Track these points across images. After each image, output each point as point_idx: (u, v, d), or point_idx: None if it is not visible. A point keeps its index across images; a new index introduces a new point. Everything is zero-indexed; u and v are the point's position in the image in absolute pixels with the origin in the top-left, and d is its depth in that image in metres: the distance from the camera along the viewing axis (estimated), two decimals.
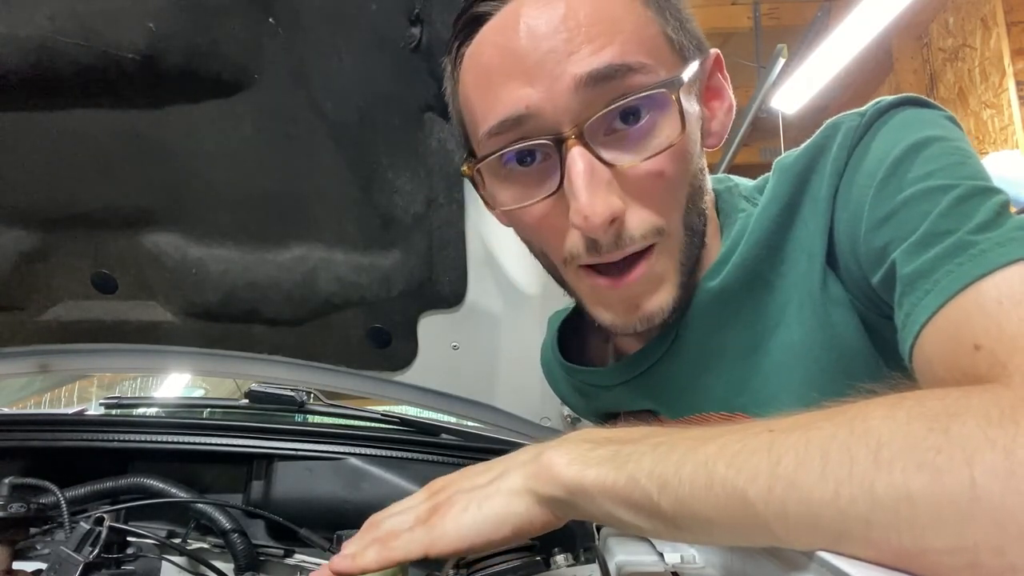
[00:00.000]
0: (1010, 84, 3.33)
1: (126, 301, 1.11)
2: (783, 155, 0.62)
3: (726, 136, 0.62)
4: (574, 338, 0.80)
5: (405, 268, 1.02)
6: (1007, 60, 3.36)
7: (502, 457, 0.50)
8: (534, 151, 0.54)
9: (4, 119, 0.87)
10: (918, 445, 0.32)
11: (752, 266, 0.59)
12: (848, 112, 0.56)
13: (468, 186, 0.94)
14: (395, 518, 0.51)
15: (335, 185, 0.96)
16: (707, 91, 0.61)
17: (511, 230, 0.65)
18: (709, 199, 0.62)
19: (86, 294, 1.09)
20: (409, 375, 1.16)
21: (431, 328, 1.10)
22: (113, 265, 1.06)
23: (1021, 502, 0.28)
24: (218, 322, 1.12)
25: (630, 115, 0.52)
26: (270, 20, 0.81)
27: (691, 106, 0.56)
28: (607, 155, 0.52)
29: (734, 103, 0.62)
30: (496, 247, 1.00)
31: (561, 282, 0.63)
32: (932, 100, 0.55)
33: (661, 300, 0.56)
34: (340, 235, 1.02)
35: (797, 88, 3.88)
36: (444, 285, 1.04)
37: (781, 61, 3.55)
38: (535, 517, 0.45)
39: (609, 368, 0.72)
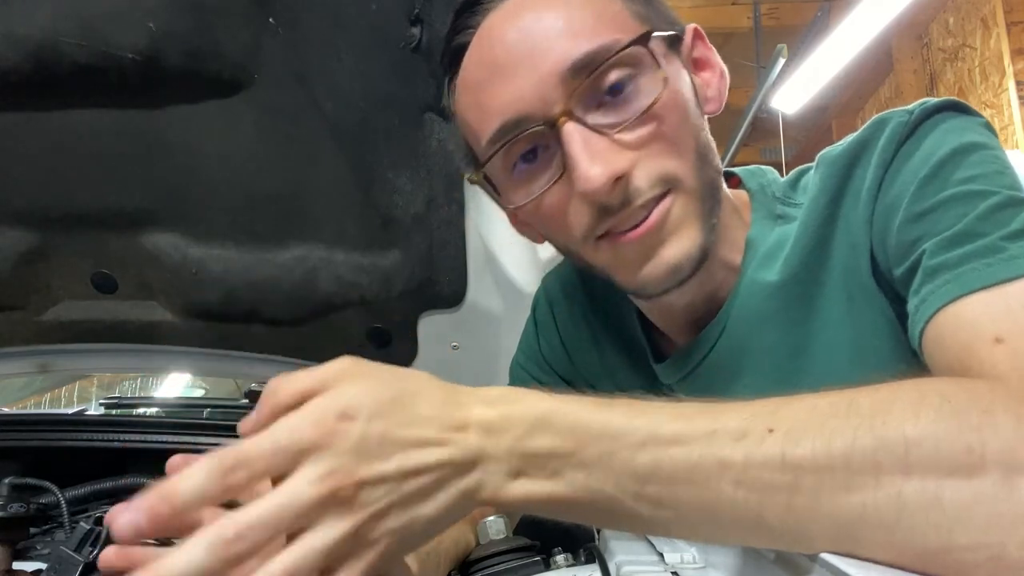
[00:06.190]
0: (1010, 84, 3.33)
1: (126, 301, 1.11)
2: (828, 148, 0.62)
3: (725, 100, 0.62)
4: None
5: (405, 268, 1.02)
6: (1007, 60, 3.36)
7: (415, 439, 0.36)
8: (536, 148, 0.56)
9: (4, 119, 0.87)
10: (950, 446, 0.32)
11: (804, 259, 0.59)
12: (894, 109, 0.57)
13: (468, 186, 0.94)
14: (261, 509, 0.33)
15: (335, 185, 0.96)
16: (694, 63, 0.62)
17: (511, 230, 0.66)
18: (722, 194, 0.62)
19: (86, 294, 1.09)
20: None
21: (431, 328, 1.10)
22: (113, 265, 1.06)
23: None
24: (218, 322, 1.12)
25: (613, 83, 0.53)
26: (270, 20, 0.81)
27: (675, 68, 0.57)
28: (600, 123, 0.53)
29: (725, 69, 0.63)
30: (496, 247, 1.00)
31: (590, 268, 0.61)
32: (970, 105, 0.56)
33: (684, 246, 0.56)
34: (340, 235, 1.02)
35: (797, 88, 3.88)
36: (444, 285, 1.03)
37: (781, 61, 3.55)
38: (464, 515, 0.40)
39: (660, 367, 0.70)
